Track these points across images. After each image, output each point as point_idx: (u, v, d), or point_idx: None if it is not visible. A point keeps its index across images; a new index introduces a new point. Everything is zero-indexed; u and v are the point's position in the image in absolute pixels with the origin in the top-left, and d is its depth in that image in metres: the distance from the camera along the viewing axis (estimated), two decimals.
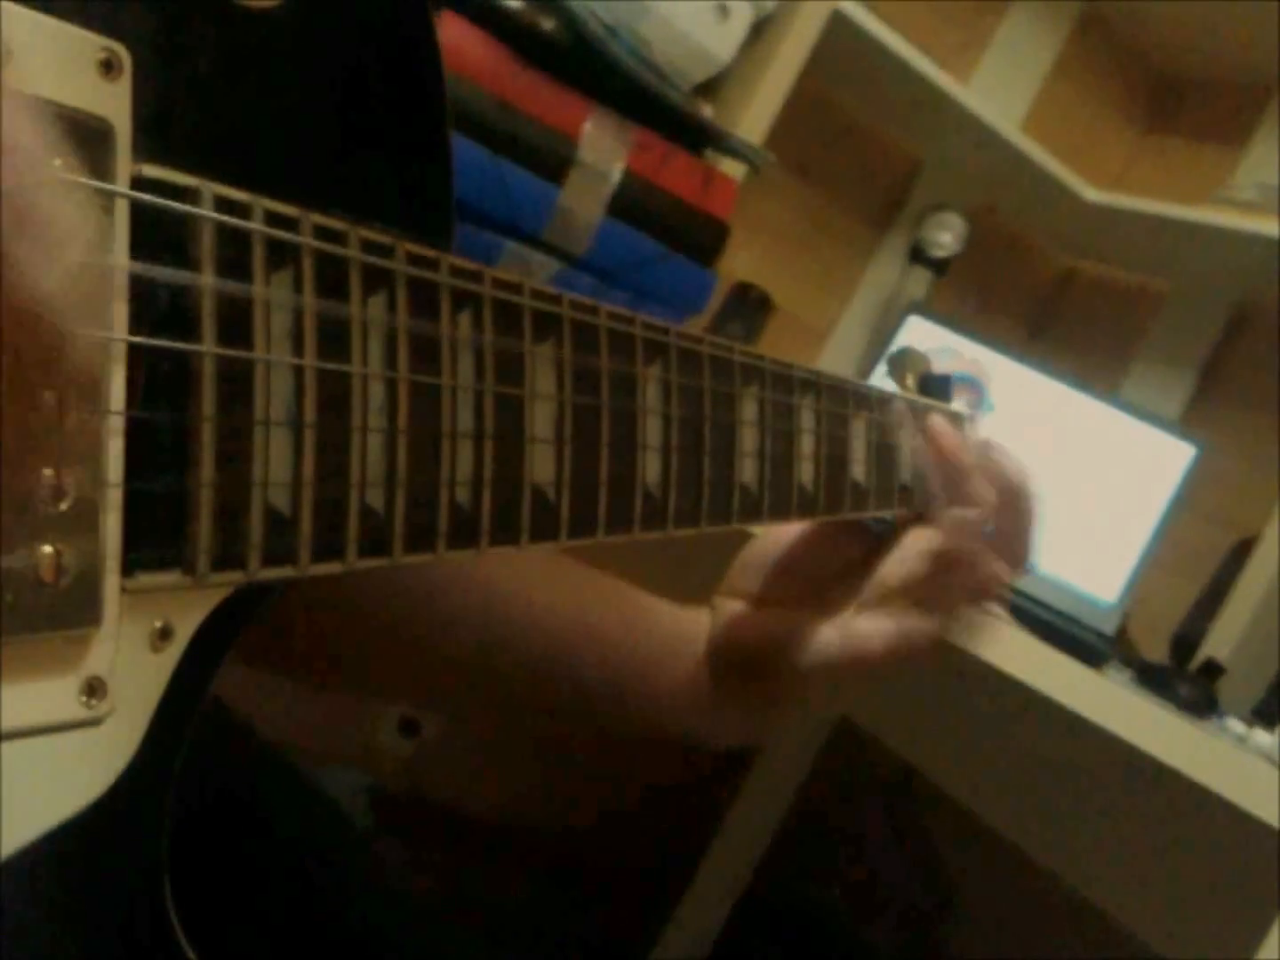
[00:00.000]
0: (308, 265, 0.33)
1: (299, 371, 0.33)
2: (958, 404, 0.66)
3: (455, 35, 1.07)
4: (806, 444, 0.54)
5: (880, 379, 0.64)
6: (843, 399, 0.57)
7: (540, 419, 0.40)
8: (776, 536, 0.67)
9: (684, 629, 0.68)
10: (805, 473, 0.55)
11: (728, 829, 2.04)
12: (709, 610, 0.68)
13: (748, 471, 0.51)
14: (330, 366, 0.33)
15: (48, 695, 0.30)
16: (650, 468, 0.45)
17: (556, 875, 1.97)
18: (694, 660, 0.66)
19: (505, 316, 0.38)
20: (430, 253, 0.35)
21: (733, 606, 0.67)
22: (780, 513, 0.54)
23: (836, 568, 0.65)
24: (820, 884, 2.11)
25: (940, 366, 0.80)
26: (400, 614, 0.64)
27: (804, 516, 0.55)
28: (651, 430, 0.45)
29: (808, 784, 2.03)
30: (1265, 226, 1.80)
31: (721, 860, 2.04)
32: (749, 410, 0.51)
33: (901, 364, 0.64)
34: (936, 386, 0.66)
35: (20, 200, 0.25)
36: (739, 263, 2.03)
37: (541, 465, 0.40)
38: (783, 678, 0.64)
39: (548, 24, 1.12)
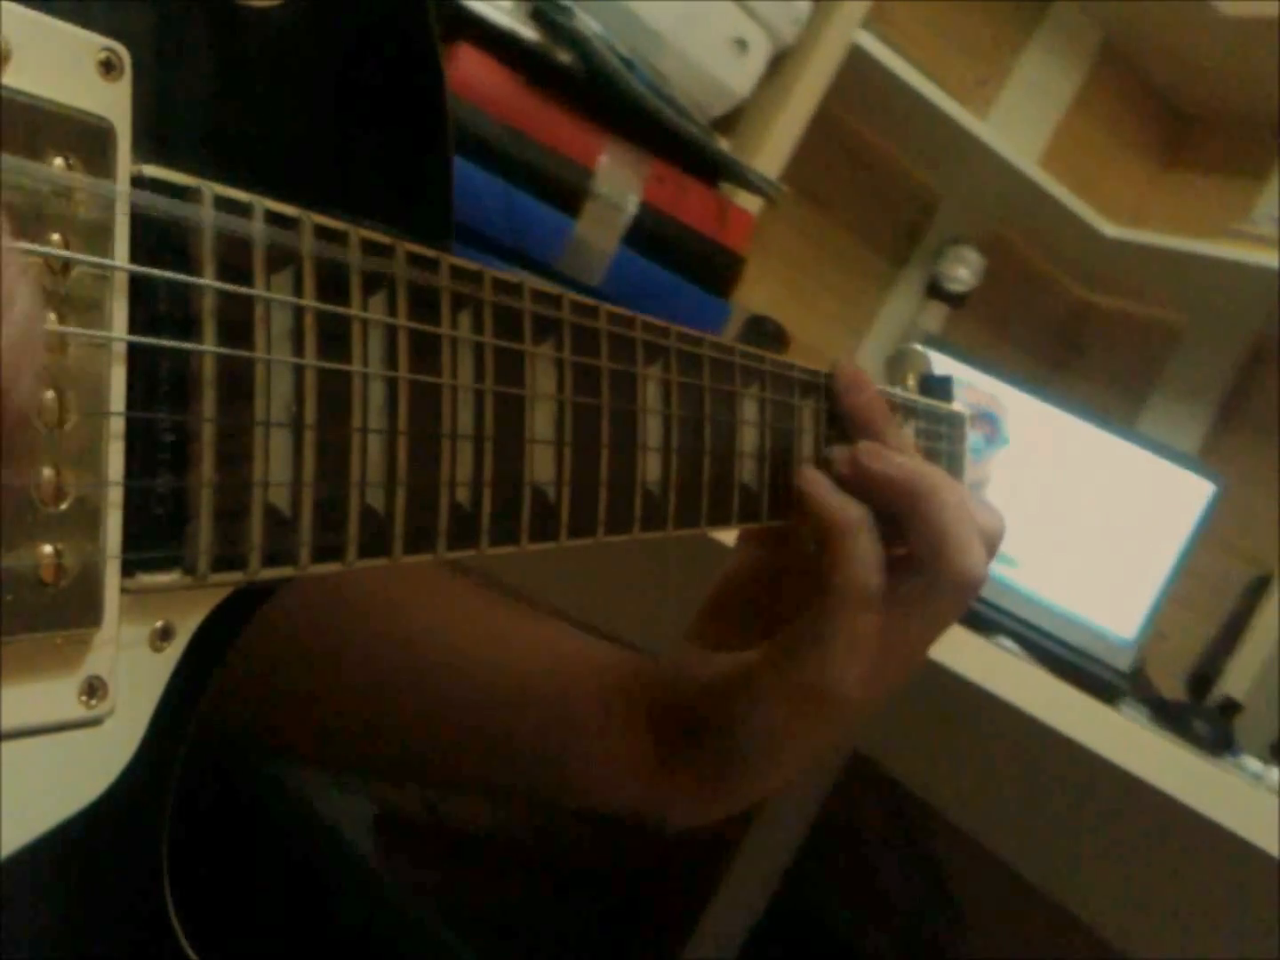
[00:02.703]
0: (308, 265, 0.33)
1: (299, 371, 0.33)
2: (959, 405, 0.66)
3: (473, 66, 1.07)
4: (807, 445, 0.54)
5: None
6: None
7: (540, 419, 0.40)
8: (746, 568, 0.59)
9: (628, 680, 0.58)
10: None
11: (746, 849, 2.02)
12: (660, 657, 0.59)
13: (748, 472, 0.51)
14: (330, 366, 0.33)
15: (48, 695, 0.30)
16: (650, 468, 0.45)
17: (576, 892, 1.96)
18: (636, 716, 0.57)
19: (505, 317, 0.38)
20: (430, 253, 0.35)
21: (685, 651, 0.58)
22: (780, 513, 0.53)
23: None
24: (834, 907, 2.10)
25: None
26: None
27: (803, 518, 0.54)
28: (651, 430, 0.45)
29: (822, 817, 2.01)
30: None
31: (740, 881, 2.03)
32: (749, 410, 0.50)
33: (901, 364, 0.63)
34: (937, 387, 0.65)
35: None
36: (756, 294, 2.03)
37: (541, 465, 0.40)
38: (738, 733, 0.53)
39: (565, 56, 1.13)
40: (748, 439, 0.51)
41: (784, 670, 0.52)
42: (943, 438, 0.64)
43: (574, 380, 0.41)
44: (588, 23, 1.13)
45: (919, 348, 0.64)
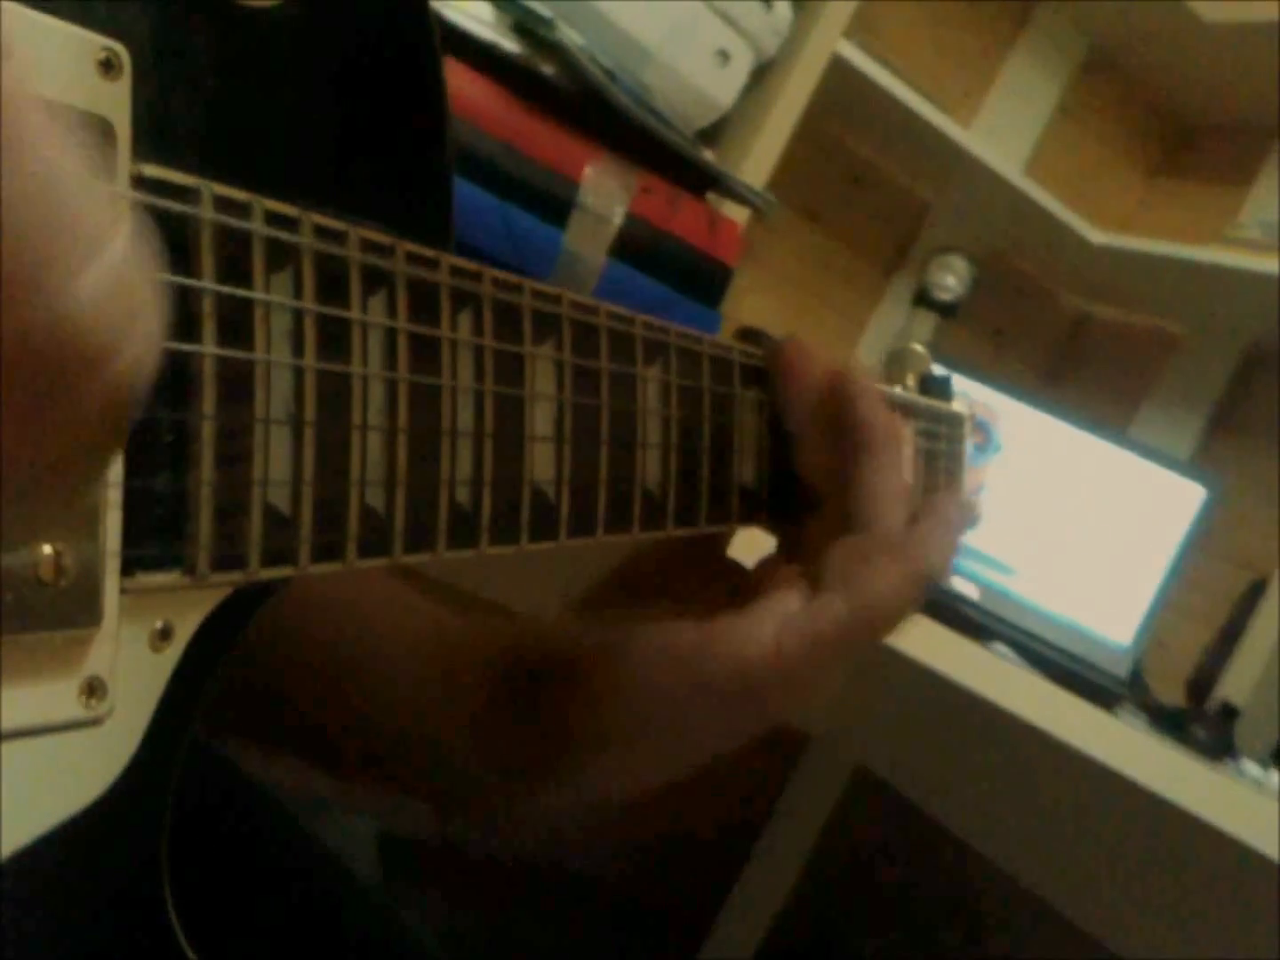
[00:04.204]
0: (307, 265, 0.33)
1: (299, 371, 0.33)
2: (958, 405, 0.66)
3: (457, 80, 1.07)
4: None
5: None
6: None
7: (540, 419, 0.40)
8: (660, 547, 0.52)
9: (485, 637, 0.54)
10: None
11: (749, 874, 2.02)
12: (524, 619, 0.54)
13: (748, 472, 0.51)
14: (330, 366, 0.33)
15: (48, 695, 0.30)
16: (650, 468, 0.45)
17: (580, 918, 1.96)
18: (484, 675, 0.52)
19: (505, 316, 0.38)
20: (430, 253, 0.36)
21: (562, 616, 0.53)
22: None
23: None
24: (846, 931, 2.09)
25: None
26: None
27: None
28: (651, 430, 0.45)
29: (827, 831, 2.01)
30: (1269, 265, 1.81)
31: (743, 905, 2.02)
32: (748, 410, 0.51)
33: (901, 363, 0.63)
34: (937, 386, 0.65)
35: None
36: (747, 306, 2.04)
37: (541, 465, 0.40)
38: (601, 704, 0.47)
39: (547, 68, 1.12)
40: (747, 439, 0.51)
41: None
42: (942, 437, 0.64)
43: (573, 380, 0.41)
44: (570, 35, 1.13)
45: (918, 347, 0.64)
